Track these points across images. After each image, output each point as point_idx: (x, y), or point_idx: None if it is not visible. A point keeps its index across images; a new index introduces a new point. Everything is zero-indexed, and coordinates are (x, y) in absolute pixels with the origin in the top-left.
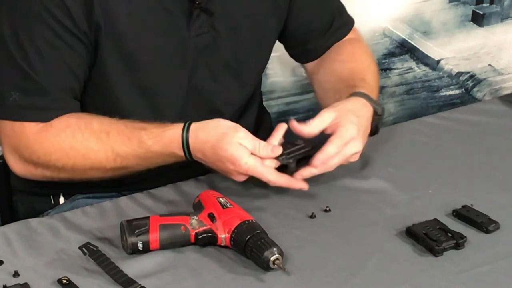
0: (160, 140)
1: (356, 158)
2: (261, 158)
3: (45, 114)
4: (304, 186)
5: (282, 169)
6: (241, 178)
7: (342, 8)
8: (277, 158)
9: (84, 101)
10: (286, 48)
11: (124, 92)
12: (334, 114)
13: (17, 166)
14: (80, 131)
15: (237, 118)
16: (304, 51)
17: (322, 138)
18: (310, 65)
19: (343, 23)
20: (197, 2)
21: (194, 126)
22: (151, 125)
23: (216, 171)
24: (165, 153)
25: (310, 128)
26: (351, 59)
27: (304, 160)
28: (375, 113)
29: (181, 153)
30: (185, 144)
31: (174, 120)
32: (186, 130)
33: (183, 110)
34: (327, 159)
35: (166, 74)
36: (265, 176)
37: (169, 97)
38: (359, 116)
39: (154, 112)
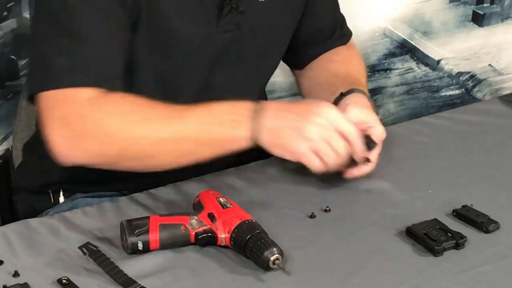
0: (229, 104)
1: None
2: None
3: (96, 78)
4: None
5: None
6: (317, 132)
7: (343, 19)
8: None
9: None
10: (287, 54)
11: (144, 74)
12: (358, 110)
13: (62, 143)
14: (141, 99)
15: None
16: (302, 56)
17: None
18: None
19: (343, 33)
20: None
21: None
22: None
23: (285, 132)
24: (232, 111)
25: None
26: (347, 62)
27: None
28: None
29: (251, 106)
30: (258, 103)
31: None
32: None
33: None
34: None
35: (187, 65)
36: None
37: (183, 88)
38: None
39: (167, 101)
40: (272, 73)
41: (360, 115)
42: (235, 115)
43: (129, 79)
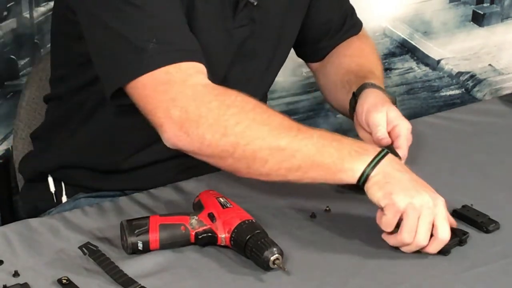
0: (356, 140)
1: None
2: None
3: (191, 53)
4: None
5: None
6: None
7: (352, 9)
8: None
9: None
10: (297, 48)
11: None
12: (384, 115)
13: (173, 126)
14: (261, 104)
15: None
16: (315, 50)
17: None
18: (316, 63)
19: (354, 23)
20: None
21: None
22: None
23: (381, 189)
24: (355, 144)
25: (382, 136)
26: (359, 54)
27: None
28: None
29: (374, 148)
30: (382, 152)
31: None
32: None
33: None
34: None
35: (211, 62)
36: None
37: None
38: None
39: None
40: (280, 68)
41: (382, 119)
42: (360, 148)
43: None
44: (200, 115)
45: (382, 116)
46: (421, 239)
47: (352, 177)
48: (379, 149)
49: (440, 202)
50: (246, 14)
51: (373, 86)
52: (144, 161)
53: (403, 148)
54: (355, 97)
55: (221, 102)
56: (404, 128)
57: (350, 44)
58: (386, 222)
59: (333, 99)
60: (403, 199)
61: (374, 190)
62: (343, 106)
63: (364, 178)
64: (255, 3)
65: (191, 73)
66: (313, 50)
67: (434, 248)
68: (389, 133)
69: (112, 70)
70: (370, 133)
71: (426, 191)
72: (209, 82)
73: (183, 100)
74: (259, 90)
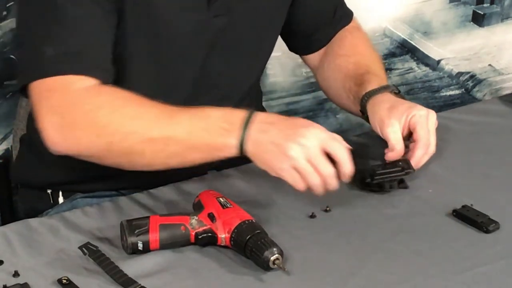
0: (222, 110)
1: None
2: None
3: (85, 66)
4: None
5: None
6: (299, 153)
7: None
8: (372, 178)
9: None
10: (290, 41)
11: (139, 66)
12: (397, 122)
13: (52, 131)
14: (135, 96)
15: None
16: (309, 42)
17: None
18: (313, 59)
19: (344, 13)
20: None
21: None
22: None
23: (267, 151)
24: (222, 118)
25: (399, 149)
26: (353, 52)
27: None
28: (396, 94)
29: (241, 116)
30: (250, 115)
31: (180, 100)
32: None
33: (194, 93)
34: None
35: (183, 53)
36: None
37: (180, 77)
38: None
39: (162, 90)
40: (266, 59)
41: (393, 131)
42: (226, 123)
43: (123, 73)
44: (75, 119)
45: (395, 129)
46: (324, 170)
47: (230, 153)
48: (244, 119)
49: (315, 132)
50: (222, 3)
51: (373, 93)
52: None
53: (422, 138)
54: (364, 114)
55: (93, 104)
56: (419, 118)
57: (343, 41)
58: (294, 183)
59: (339, 104)
60: (282, 162)
61: (258, 164)
62: (351, 111)
63: (242, 150)
64: None
65: (74, 81)
66: (305, 43)
67: (347, 168)
68: (409, 127)
69: (19, 70)
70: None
71: (295, 137)
72: (92, 85)
73: (61, 106)
74: (245, 81)
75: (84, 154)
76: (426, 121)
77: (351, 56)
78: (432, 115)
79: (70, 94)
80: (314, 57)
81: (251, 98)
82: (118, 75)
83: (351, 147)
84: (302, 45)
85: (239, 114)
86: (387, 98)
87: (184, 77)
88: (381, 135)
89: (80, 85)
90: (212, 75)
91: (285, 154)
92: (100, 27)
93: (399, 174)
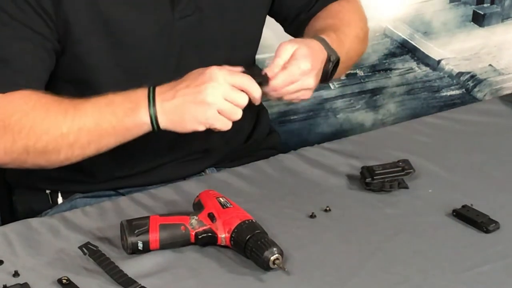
0: (124, 93)
1: (307, 95)
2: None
3: (5, 85)
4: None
5: None
6: (218, 94)
7: None
8: (372, 178)
9: (60, 88)
10: (286, 26)
11: (108, 76)
12: (295, 46)
13: None
14: (45, 97)
15: None
16: (298, 25)
17: None
18: None
19: None
20: None
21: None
22: None
23: (185, 110)
24: (127, 100)
25: (277, 66)
26: (332, 16)
27: None
28: (328, 60)
29: (143, 93)
30: (152, 89)
31: None
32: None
33: None
34: (280, 86)
35: (153, 56)
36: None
37: (156, 80)
38: (313, 55)
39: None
40: (254, 50)
41: (285, 50)
42: (130, 103)
43: (93, 83)
44: None
45: (289, 47)
46: (242, 101)
47: (143, 130)
48: (147, 95)
49: (217, 73)
50: (188, 4)
51: (319, 39)
52: (138, 169)
53: (274, 65)
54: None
55: (4, 112)
56: (302, 50)
57: (329, 7)
58: (224, 126)
59: None
60: (207, 111)
61: (182, 128)
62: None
63: (156, 125)
64: None
65: None
66: (297, 26)
67: (256, 92)
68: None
69: None
70: None
71: (203, 85)
72: (2, 95)
73: None
74: None
75: (6, 161)
76: (305, 54)
77: (328, 19)
78: (308, 84)
79: None
80: None
81: None
82: (90, 86)
83: (241, 69)
84: (293, 29)
85: (140, 92)
86: (315, 45)
87: (159, 81)
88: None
89: None
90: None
91: (204, 103)
92: (32, 43)
93: (399, 174)
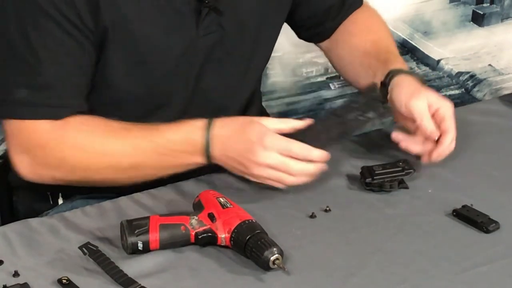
0: (182, 128)
1: None
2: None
3: (55, 111)
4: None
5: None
6: (264, 172)
7: None
8: (372, 178)
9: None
10: (300, 32)
11: (125, 91)
12: (425, 102)
13: (25, 169)
14: (99, 128)
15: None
16: (320, 32)
17: None
18: (324, 41)
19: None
20: (206, 1)
21: (218, 119)
22: (172, 122)
23: (235, 169)
24: (185, 143)
25: (431, 129)
26: (367, 30)
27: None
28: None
29: (200, 139)
30: (208, 126)
31: (174, 117)
32: (210, 119)
33: (184, 108)
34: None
35: (174, 74)
36: (300, 150)
37: (175, 96)
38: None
39: (155, 110)
40: (263, 68)
41: (424, 107)
42: (189, 146)
43: (110, 96)
44: (46, 160)
45: (423, 103)
46: (294, 169)
47: (200, 165)
48: (204, 140)
49: (269, 143)
50: (211, 21)
51: (400, 72)
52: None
53: (450, 129)
54: (385, 87)
55: (61, 146)
56: (447, 109)
57: (356, 20)
58: (274, 185)
59: (354, 81)
60: (253, 178)
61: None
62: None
63: (212, 163)
64: (219, 10)
65: (41, 123)
66: (317, 32)
67: (315, 157)
68: (433, 116)
69: None
70: (413, 120)
71: (252, 159)
72: (54, 124)
73: (30, 148)
74: (241, 93)
75: (61, 183)
76: (452, 114)
77: (366, 34)
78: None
79: (38, 135)
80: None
81: (251, 105)
82: (109, 101)
83: (303, 123)
84: (313, 35)
85: (197, 135)
86: (414, 80)
87: (176, 95)
88: (405, 111)
89: (47, 127)
90: (205, 90)
91: (251, 175)
92: (72, 63)
93: (399, 174)
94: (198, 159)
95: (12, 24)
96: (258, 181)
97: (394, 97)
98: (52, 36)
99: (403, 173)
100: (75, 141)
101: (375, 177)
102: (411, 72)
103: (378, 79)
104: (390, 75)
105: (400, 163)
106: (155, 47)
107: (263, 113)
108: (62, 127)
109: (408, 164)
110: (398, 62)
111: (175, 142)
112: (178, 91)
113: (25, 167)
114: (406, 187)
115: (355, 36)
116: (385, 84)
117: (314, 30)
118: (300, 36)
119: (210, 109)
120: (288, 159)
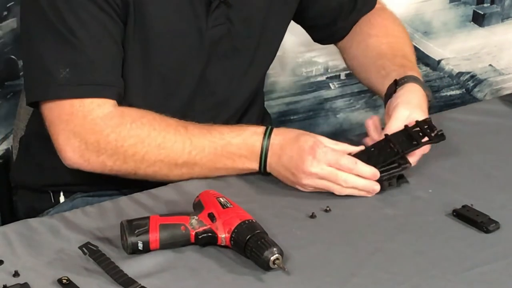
0: (242, 132)
1: None
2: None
3: (101, 89)
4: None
5: None
6: (312, 182)
7: None
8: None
9: None
10: (312, 33)
11: (135, 73)
12: (408, 112)
13: (74, 155)
14: (157, 121)
15: (241, 113)
16: (332, 32)
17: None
18: (340, 42)
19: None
20: None
21: (276, 127)
22: (231, 125)
23: (285, 178)
24: (243, 147)
25: (391, 129)
26: (385, 33)
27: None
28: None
29: (259, 145)
30: (268, 133)
31: (177, 107)
32: (269, 128)
33: (189, 99)
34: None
35: (182, 62)
36: (353, 166)
37: (179, 86)
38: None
39: (160, 98)
40: (269, 64)
41: (407, 118)
42: (246, 151)
43: (124, 82)
44: (99, 146)
45: (406, 113)
46: (346, 181)
47: (254, 170)
48: (261, 147)
49: (320, 155)
50: (221, 13)
51: (415, 81)
52: None
53: (416, 154)
54: (396, 85)
55: (118, 134)
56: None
57: (372, 21)
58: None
59: (365, 80)
60: (303, 188)
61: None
62: (376, 88)
63: (264, 172)
64: (229, 2)
65: (93, 108)
66: (329, 33)
67: (365, 173)
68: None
69: (27, 83)
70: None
71: (302, 171)
72: (110, 112)
73: (82, 133)
74: (244, 88)
75: (108, 174)
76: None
77: (383, 37)
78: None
79: (91, 120)
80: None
81: (253, 103)
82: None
83: (357, 148)
84: (325, 36)
85: (255, 141)
86: (421, 97)
87: (183, 86)
88: (390, 109)
89: (99, 111)
90: (210, 83)
91: (299, 184)
92: (110, 40)
93: (396, 170)
94: (254, 165)
95: (45, 3)
96: (306, 191)
97: (391, 100)
98: (87, 13)
99: (400, 168)
100: (135, 131)
101: None
102: (423, 85)
103: (390, 80)
104: (405, 79)
105: (396, 159)
106: (167, 32)
107: (265, 114)
108: (120, 115)
109: (404, 159)
110: (414, 71)
111: (235, 145)
112: (185, 80)
113: (75, 152)
114: (407, 182)
115: (371, 37)
116: (396, 84)
117: (327, 31)
118: (314, 37)
119: (213, 103)
120: (336, 169)
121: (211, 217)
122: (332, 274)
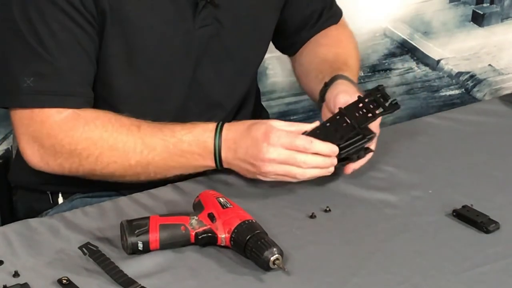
0: (193, 129)
1: None
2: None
3: (63, 99)
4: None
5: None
6: (272, 168)
7: None
8: (338, 154)
9: None
10: (276, 40)
11: (123, 81)
12: (349, 97)
13: (34, 157)
14: (110, 123)
15: (235, 112)
16: (294, 42)
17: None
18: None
19: (333, 13)
20: None
21: (227, 122)
22: (183, 123)
23: (246, 171)
24: (195, 145)
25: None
26: (336, 44)
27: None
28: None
29: (211, 141)
30: (219, 129)
31: (172, 112)
32: (220, 124)
33: (182, 103)
34: None
35: (171, 65)
36: (308, 145)
37: (170, 88)
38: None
39: (153, 103)
40: (259, 63)
41: (347, 101)
42: (199, 149)
43: (110, 89)
44: (55, 150)
45: (349, 98)
46: (304, 162)
47: (209, 168)
48: (213, 143)
49: (275, 139)
50: (208, 14)
51: (345, 78)
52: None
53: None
54: (325, 86)
55: (71, 138)
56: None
57: (327, 33)
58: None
59: (305, 86)
60: (264, 178)
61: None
62: (314, 95)
63: (221, 167)
64: (215, 3)
65: (52, 114)
66: (292, 43)
67: (321, 150)
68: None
69: None
70: None
71: (260, 158)
72: (65, 116)
73: (39, 138)
74: (236, 90)
75: (68, 175)
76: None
77: (333, 46)
78: None
79: (49, 125)
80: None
81: (246, 102)
82: (105, 88)
83: (310, 125)
84: (287, 45)
85: (207, 138)
86: (353, 87)
87: (175, 90)
88: (333, 105)
89: (57, 117)
90: (203, 85)
91: (260, 173)
92: (79, 50)
93: (362, 142)
94: (208, 162)
95: (18, 12)
96: (269, 179)
97: (327, 95)
98: (58, 24)
99: (366, 139)
100: (87, 134)
101: (340, 152)
102: (353, 83)
103: (320, 83)
104: (334, 78)
105: (359, 130)
106: (151, 36)
107: (261, 111)
108: (74, 119)
109: (368, 129)
110: (350, 73)
111: (186, 143)
112: (176, 83)
113: (35, 155)
114: (371, 151)
115: (321, 46)
116: (326, 85)
117: (289, 40)
118: (277, 45)
119: (206, 104)
120: (293, 152)
121: (211, 217)
122: (332, 274)
